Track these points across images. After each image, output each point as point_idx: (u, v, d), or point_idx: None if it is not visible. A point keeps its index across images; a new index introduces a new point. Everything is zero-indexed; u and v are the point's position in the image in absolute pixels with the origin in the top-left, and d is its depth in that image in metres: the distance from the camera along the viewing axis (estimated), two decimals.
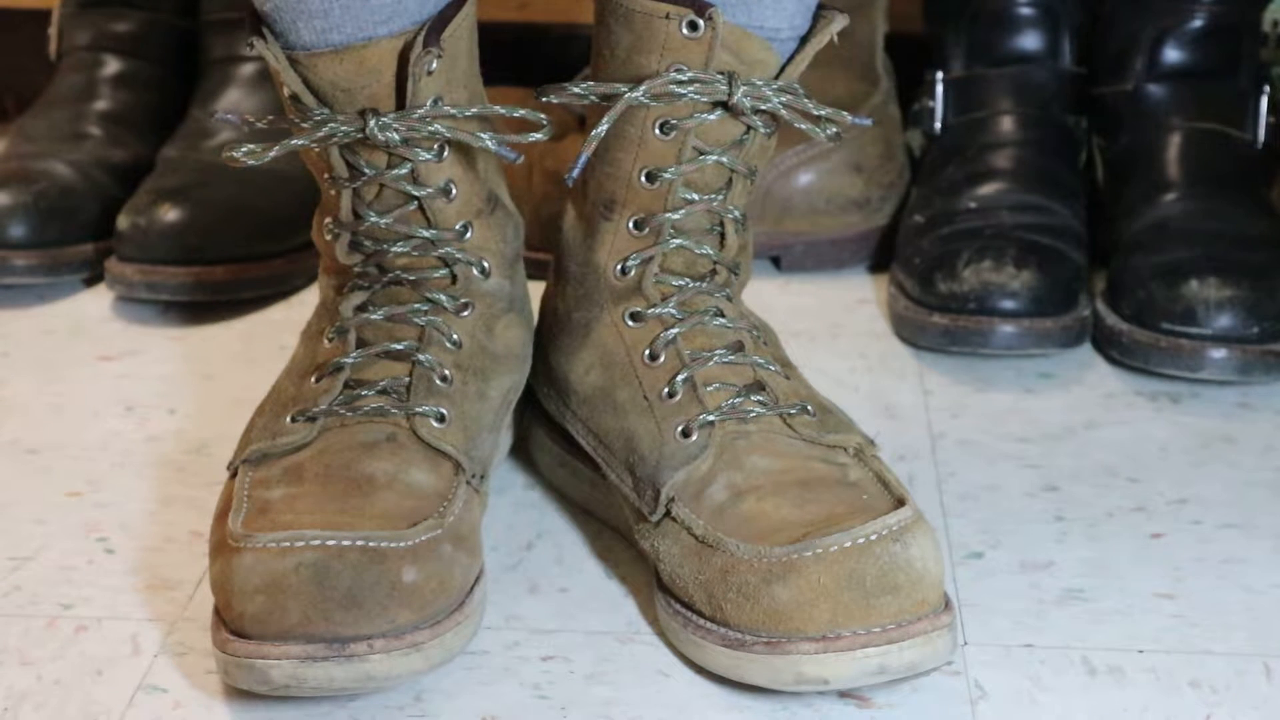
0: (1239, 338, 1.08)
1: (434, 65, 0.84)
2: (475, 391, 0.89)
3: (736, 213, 0.90)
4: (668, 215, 0.88)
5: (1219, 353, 1.08)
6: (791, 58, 0.88)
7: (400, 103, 0.85)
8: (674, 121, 0.86)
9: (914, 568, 0.78)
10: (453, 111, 0.86)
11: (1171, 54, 1.25)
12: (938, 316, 1.13)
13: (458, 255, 0.89)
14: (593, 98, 0.86)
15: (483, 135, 0.86)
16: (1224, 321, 1.08)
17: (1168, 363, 1.10)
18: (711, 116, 0.86)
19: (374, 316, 0.88)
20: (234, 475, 0.85)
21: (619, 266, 0.90)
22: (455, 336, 0.89)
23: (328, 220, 0.90)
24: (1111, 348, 1.13)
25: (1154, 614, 0.87)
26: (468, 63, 0.89)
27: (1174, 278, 1.11)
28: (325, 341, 0.89)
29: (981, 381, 1.13)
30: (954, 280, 1.13)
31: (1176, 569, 0.91)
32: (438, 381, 0.87)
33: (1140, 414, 1.08)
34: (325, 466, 0.84)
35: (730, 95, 0.84)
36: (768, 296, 1.24)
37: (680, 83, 0.84)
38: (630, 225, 0.89)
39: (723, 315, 0.89)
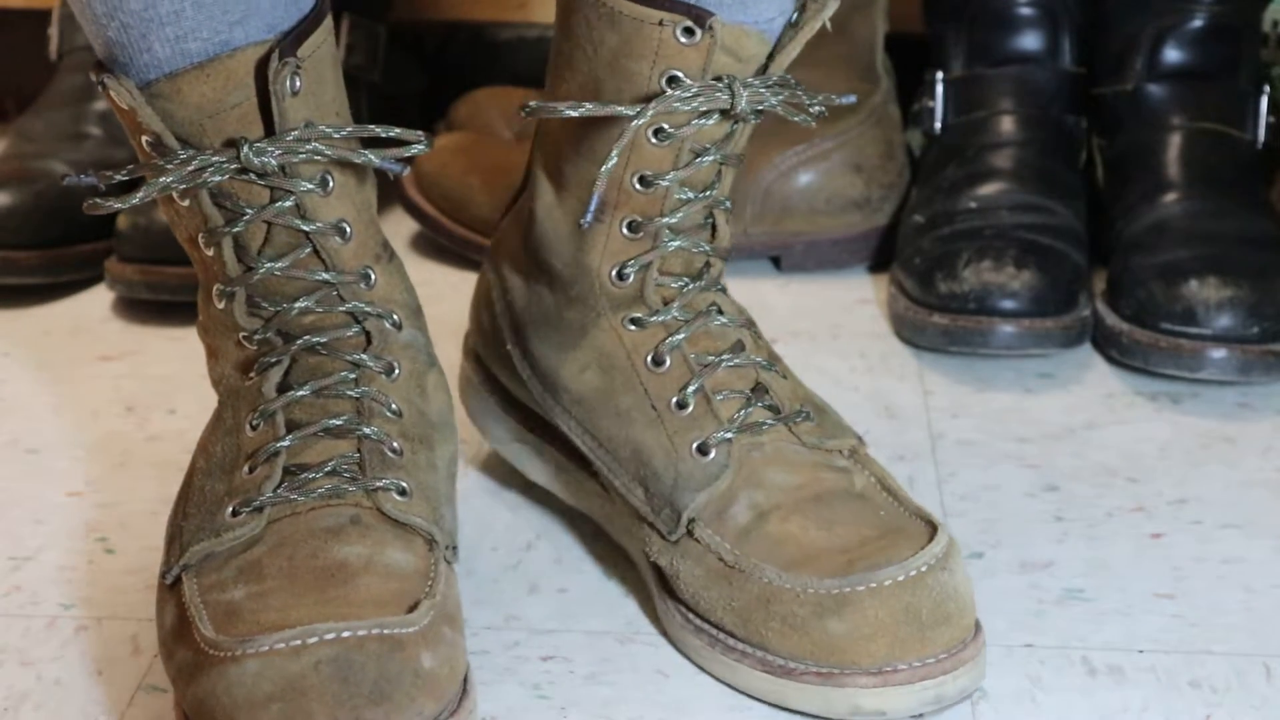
0: (1239, 338, 1.08)
1: (297, 84, 0.79)
2: (425, 461, 0.83)
3: (727, 203, 0.88)
4: (664, 219, 0.86)
5: (1219, 353, 1.08)
6: (782, 46, 0.84)
7: (270, 129, 0.79)
8: (670, 129, 0.83)
9: (960, 594, 0.78)
10: (328, 131, 0.79)
11: (1171, 54, 1.25)
12: (938, 316, 1.13)
13: (366, 309, 0.83)
14: (583, 111, 0.82)
15: (364, 151, 0.80)
16: (1224, 321, 1.08)
17: (1168, 363, 1.10)
18: (709, 122, 0.83)
19: (301, 394, 0.81)
20: (173, 585, 0.79)
21: (615, 272, 0.87)
22: (394, 405, 0.83)
23: (216, 287, 0.82)
24: (1111, 348, 1.13)
25: (1154, 614, 0.87)
26: (335, 91, 0.83)
27: (1174, 278, 1.10)
28: (249, 430, 0.81)
29: (981, 381, 1.13)
30: (954, 280, 1.13)
31: (1176, 569, 0.91)
32: (389, 454, 0.81)
33: (1140, 414, 1.08)
34: (288, 559, 0.77)
35: (734, 105, 0.82)
36: (768, 296, 1.24)
37: (684, 99, 0.81)
38: (623, 228, 0.86)
39: (722, 312, 0.88)
